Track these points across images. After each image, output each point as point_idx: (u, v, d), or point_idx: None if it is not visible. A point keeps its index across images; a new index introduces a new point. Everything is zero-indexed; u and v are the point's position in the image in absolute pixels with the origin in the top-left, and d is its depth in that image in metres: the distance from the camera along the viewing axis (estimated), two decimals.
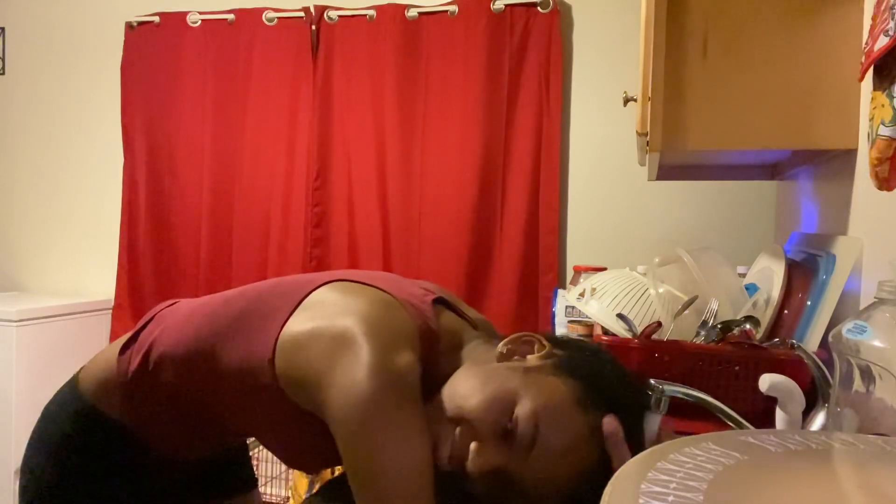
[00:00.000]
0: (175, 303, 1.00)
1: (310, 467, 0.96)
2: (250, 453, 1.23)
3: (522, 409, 0.74)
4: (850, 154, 1.18)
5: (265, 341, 0.82)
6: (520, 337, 0.84)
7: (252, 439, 1.05)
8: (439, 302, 0.90)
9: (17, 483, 2.66)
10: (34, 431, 1.00)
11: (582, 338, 0.87)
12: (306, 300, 0.84)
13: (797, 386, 0.86)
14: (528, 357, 0.81)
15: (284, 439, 0.90)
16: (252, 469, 1.21)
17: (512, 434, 0.74)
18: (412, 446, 0.72)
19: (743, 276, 1.56)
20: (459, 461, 0.76)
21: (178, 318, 0.93)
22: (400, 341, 0.77)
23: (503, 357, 0.82)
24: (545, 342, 0.83)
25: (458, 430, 0.76)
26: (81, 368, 1.01)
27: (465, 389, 0.78)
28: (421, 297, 0.87)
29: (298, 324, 0.82)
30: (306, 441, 0.86)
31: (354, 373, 0.73)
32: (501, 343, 0.84)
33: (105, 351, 0.99)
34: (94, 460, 0.95)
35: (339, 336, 0.77)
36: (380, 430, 0.71)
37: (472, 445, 0.75)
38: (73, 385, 0.99)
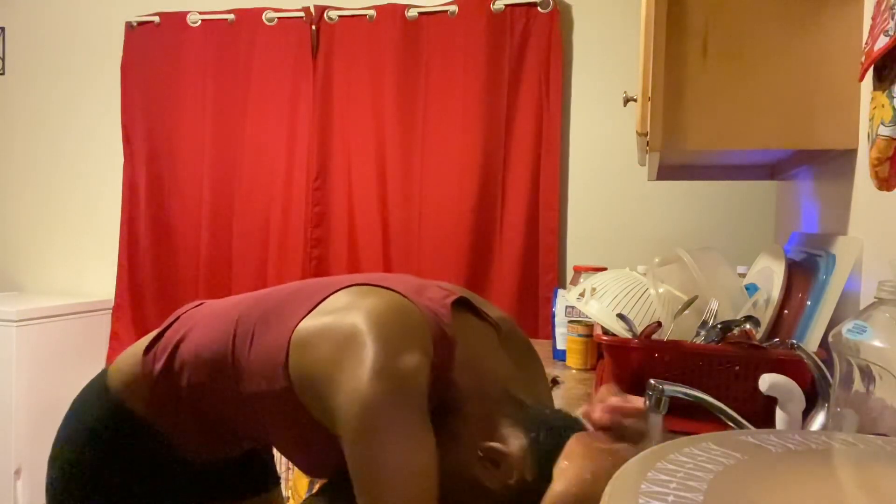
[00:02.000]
0: (201, 304, 1.00)
1: (324, 474, 0.96)
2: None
3: None
4: (850, 154, 1.18)
5: (279, 343, 0.83)
6: (499, 453, 0.77)
7: None
8: (461, 304, 0.89)
9: (17, 483, 2.64)
10: (62, 425, 1.00)
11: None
12: (322, 303, 0.85)
13: (797, 386, 0.86)
14: (498, 475, 0.77)
15: (299, 446, 0.90)
16: (275, 467, 1.21)
17: None
18: (414, 449, 0.72)
19: (743, 276, 1.56)
20: None
21: (203, 320, 0.93)
22: (408, 343, 0.77)
23: (479, 459, 0.78)
24: (516, 470, 0.77)
25: None
26: (111, 364, 1.02)
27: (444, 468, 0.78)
28: (440, 300, 0.86)
29: (310, 323, 0.82)
30: (321, 449, 0.86)
31: (359, 374, 0.73)
32: (485, 447, 0.78)
33: (133, 347, 1.00)
34: (121, 456, 0.95)
35: (346, 335, 0.77)
36: (380, 433, 0.71)
37: None
38: (101, 380, 1.00)
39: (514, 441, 0.78)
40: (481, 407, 0.82)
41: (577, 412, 0.85)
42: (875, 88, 1.02)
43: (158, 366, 0.93)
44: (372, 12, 2.57)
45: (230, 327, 0.89)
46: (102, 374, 1.01)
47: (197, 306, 1.00)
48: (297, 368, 0.80)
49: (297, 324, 0.83)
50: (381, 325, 0.77)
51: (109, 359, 2.83)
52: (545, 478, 0.76)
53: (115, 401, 0.96)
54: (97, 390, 0.99)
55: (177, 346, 0.92)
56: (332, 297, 0.85)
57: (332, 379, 0.75)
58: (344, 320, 0.79)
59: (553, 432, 0.79)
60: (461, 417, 0.82)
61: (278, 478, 1.20)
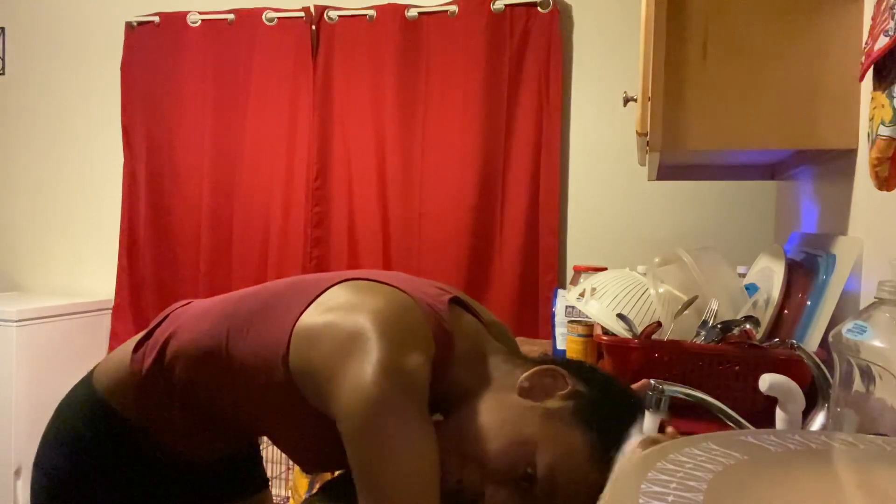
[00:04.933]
0: (190, 302, 1.00)
1: (320, 468, 0.96)
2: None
3: (542, 462, 0.75)
4: (850, 154, 1.18)
5: (279, 336, 0.82)
6: (544, 371, 0.82)
7: (263, 439, 1.04)
8: (455, 302, 0.90)
9: (17, 483, 2.64)
10: (47, 429, 0.99)
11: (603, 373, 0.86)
12: (321, 297, 0.84)
13: (797, 386, 0.86)
14: (550, 397, 0.80)
15: (296, 439, 0.90)
16: (263, 469, 1.20)
17: (528, 483, 0.75)
18: (417, 448, 0.72)
19: (743, 276, 1.56)
20: (466, 494, 0.77)
21: (194, 316, 0.93)
22: (412, 342, 0.77)
23: (524, 392, 0.80)
24: (569, 379, 0.81)
25: (466, 465, 0.77)
26: (96, 366, 1.01)
27: (482, 428, 0.78)
28: (437, 297, 0.87)
29: (312, 318, 0.82)
30: (318, 442, 0.86)
31: (363, 371, 0.73)
32: (524, 376, 0.82)
33: (120, 349, 0.99)
34: (108, 459, 0.95)
35: (352, 332, 0.77)
36: (384, 430, 0.71)
37: (488, 490, 0.76)
38: (87, 383, 0.99)
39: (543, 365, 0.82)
40: (497, 372, 0.85)
41: None
42: (875, 88, 1.02)
43: (147, 363, 0.92)
44: (372, 12, 2.57)
45: (223, 321, 0.88)
46: (89, 376, 1.00)
47: (185, 305, 0.99)
48: (298, 362, 0.80)
49: (298, 317, 0.82)
50: (386, 324, 0.77)
51: None
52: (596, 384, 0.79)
53: (101, 402, 0.95)
54: (83, 392, 0.98)
55: (166, 343, 0.91)
56: (330, 291, 0.85)
57: (335, 375, 0.75)
58: (349, 317, 0.79)
59: (591, 377, 0.83)
60: (479, 395, 0.83)
61: (267, 480, 1.20)
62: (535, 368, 0.82)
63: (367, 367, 0.73)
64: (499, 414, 0.79)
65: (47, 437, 0.98)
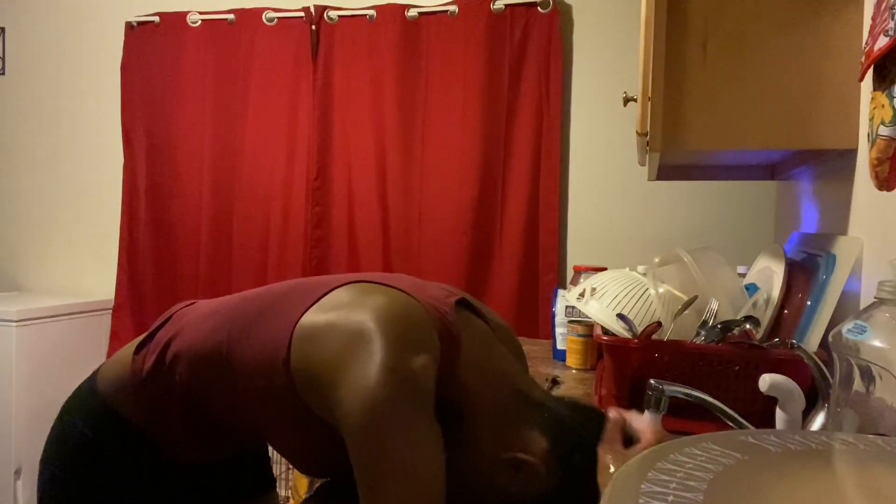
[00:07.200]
0: (192, 303, 0.99)
1: (321, 472, 0.95)
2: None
3: None
4: (850, 154, 1.18)
5: (279, 337, 0.81)
6: (525, 462, 0.79)
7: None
8: (462, 304, 0.89)
9: (17, 483, 2.63)
10: (52, 429, 0.99)
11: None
12: (323, 298, 0.84)
13: (797, 386, 0.86)
14: (518, 481, 0.79)
15: (295, 445, 0.89)
16: (270, 470, 1.20)
17: None
18: (421, 449, 0.71)
19: (743, 276, 1.56)
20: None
21: (195, 318, 0.92)
22: (417, 342, 0.76)
23: (502, 464, 0.80)
24: (541, 477, 0.79)
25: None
26: (101, 366, 1.01)
27: (458, 475, 0.78)
28: (443, 299, 0.86)
29: (313, 317, 0.81)
30: (317, 448, 0.86)
31: (366, 372, 0.72)
32: (505, 456, 0.80)
33: (123, 350, 0.99)
34: (111, 460, 0.94)
35: (354, 332, 0.76)
36: (388, 431, 0.70)
37: None
38: (91, 383, 0.98)
39: (535, 446, 0.78)
40: (496, 410, 0.82)
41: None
42: (875, 88, 1.02)
43: (148, 365, 0.91)
44: (372, 12, 2.57)
45: (224, 324, 0.88)
46: (92, 377, 0.99)
47: (189, 305, 0.99)
48: (299, 364, 0.79)
49: (299, 319, 0.81)
50: (389, 324, 0.76)
51: None
52: (570, 482, 0.76)
53: (103, 404, 0.95)
54: (86, 393, 0.98)
55: (167, 345, 0.91)
56: (333, 293, 0.84)
57: (337, 376, 0.74)
58: (351, 318, 0.78)
59: (574, 433, 0.80)
60: (477, 423, 0.81)
61: (274, 481, 1.20)
62: (518, 456, 0.79)
63: (370, 367, 0.72)
64: (470, 469, 0.80)
65: (52, 437, 0.98)
